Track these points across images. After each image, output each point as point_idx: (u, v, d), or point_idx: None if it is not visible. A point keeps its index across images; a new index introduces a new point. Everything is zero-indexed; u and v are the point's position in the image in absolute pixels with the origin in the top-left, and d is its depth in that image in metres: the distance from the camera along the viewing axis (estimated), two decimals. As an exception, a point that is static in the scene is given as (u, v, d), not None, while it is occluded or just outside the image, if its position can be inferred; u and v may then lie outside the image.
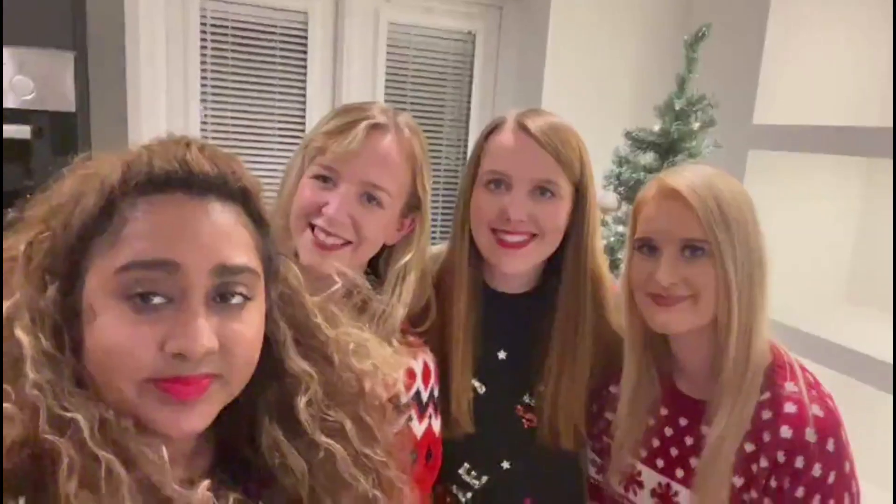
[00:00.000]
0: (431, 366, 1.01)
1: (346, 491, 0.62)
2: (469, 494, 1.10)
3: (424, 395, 0.99)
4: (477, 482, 1.10)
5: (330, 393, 0.64)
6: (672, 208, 0.91)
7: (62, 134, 1.40)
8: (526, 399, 1.10)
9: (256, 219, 0.61)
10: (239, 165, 0.60)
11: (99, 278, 0.54)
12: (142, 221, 0.54)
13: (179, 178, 0.56)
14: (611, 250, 1.72)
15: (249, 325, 0.57)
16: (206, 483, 0.57)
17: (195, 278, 0.54)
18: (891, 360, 1.55)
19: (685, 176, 0.93)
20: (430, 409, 1.00)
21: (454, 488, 1.10)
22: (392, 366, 0.72)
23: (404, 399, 0.95)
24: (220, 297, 0.56)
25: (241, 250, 0.57)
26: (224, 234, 0.57)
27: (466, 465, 1.09)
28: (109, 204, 0.55)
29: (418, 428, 0.97)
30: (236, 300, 0.56)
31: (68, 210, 0.57)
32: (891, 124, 1.67)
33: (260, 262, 0.60)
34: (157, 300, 0.53)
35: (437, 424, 1.00)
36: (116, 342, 0.53)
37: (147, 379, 0.53)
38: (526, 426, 1.09)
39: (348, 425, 0.64)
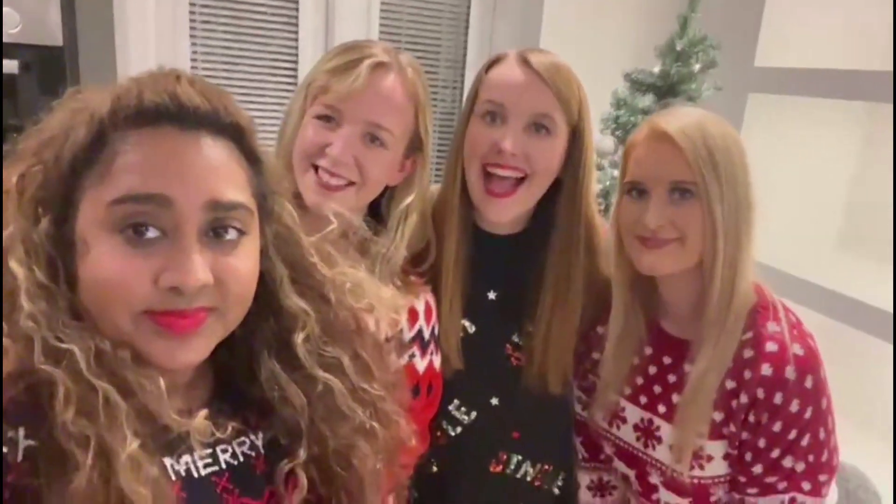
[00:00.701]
0: (433, 304, 1.04)
1: (343, 422, 0.64)
2: (458, 429, 1.13)
3: (426, 333, 1.01)
4: (466, 418, 1.13)
5: (327, 330, 0.65)
6: (661, 150, 0.91)
7: (49, 69, 1.37)
8: (515, 339, 1.11)
9: (249, 156, 0.60)
10: (230, 101, 0.60)
11: (92, 211, 0.54)
12: (132, 154, 0.54)
13: (170, 112, 0.55)
14: (606, 194, 1.71)
15: (244, 260, 0.58)
16: (203, 412, 0.58)
17: (188, 213, 0.54)
18: (889, 308, 1.57)
19: (675, 118, 0.92)
20: (432, 346, 1.03)
21: (444, 423, 1.13)
22: (388, 305, 0.73)
23: (408, 337, 0.98)
24: (214, 233, 0.56)
25: (233, 186, 0.57)
26: (216, 169, 0.56)
27: (456, 401, 1.12)
28: (99, 136, 0.55)
29: (421, 364, 1.00)
30: (230, 235, 0.57)
31: (59, 143, 0.56)
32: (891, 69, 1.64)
33: (254, 199, 0.60)
34: (150, 234, 0.54)
35: (437, 360, 1.04)
36: (110, 275, 0.53)
37: (142, 311, 0.54)
38: (514, 364, 1.11)
39: (346, 361, 0.65)
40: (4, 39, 1.33)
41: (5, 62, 1.33)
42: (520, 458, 1.15)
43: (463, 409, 1.12)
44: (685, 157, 0.88)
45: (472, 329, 1.11)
